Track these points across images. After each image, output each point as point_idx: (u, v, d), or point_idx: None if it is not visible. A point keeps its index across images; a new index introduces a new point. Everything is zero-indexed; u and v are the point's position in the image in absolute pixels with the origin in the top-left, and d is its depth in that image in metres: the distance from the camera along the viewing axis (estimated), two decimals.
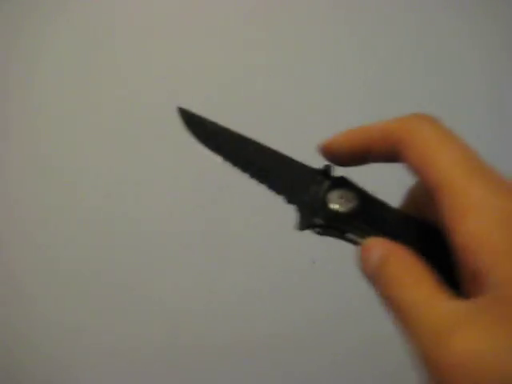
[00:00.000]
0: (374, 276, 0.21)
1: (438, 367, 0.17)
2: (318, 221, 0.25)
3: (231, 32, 0.75)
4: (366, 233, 0.23)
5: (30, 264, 0.72)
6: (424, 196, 0.22)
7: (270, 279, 0.72)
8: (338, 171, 0.26)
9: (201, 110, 0.28)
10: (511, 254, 0.18)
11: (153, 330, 0.72)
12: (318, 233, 0.25)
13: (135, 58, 0.75)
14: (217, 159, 0.27)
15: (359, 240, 0.23)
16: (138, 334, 0.72)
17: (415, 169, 0.21)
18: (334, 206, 0.24)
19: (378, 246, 0.21)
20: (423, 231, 0.23)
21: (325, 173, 0.26)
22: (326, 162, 0.26)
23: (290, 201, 0.26)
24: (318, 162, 0.26)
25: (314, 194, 0.25)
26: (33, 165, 0.73)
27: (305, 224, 0.25)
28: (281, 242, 0.70)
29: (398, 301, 0.19)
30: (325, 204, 0.25)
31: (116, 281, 0.72)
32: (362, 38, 0.76)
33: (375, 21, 0.76)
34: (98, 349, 0.71)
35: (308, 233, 0.25)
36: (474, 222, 0.18)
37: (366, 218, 0.24)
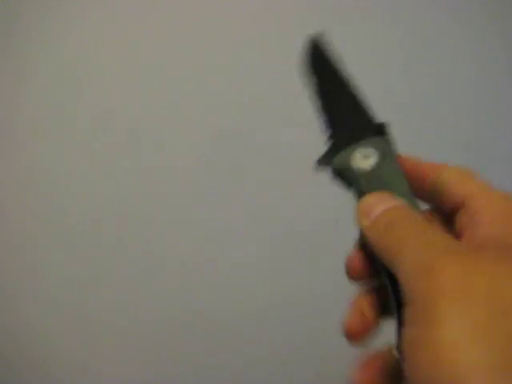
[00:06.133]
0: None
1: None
2: (336, 165, 0.26)
3: (226, 32, 0.75)
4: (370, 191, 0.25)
5: (31, 207, 0.71)
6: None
7: (288, 238, 0.71)
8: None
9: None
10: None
11: (164, 291, 0.72)
12: (332, 176, 0.27)
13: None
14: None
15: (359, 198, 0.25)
16: (151, 293, 0.72)
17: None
18: (360, 165, 0.26)
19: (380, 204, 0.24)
20: None
21: (377, 127, 0.27)
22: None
23: (331, 136, 0.28)
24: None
25: (347, 143, 0.27)
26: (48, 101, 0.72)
27: (323, 162, 0.27)
28: (302, 199, 0.69)
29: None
30: (349, 156, 0.26)
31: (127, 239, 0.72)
32: (358, 37, 0.76)
33: (371, 20, 0.76)
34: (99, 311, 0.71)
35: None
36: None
37: (376, 180, 0.25)
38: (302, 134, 0.72)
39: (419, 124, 0.76)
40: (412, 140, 0.74)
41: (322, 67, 0.29)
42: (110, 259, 0.72)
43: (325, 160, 0.27)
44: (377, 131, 0.27)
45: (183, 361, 0.73)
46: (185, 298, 0.72)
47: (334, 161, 0.27)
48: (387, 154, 0.26)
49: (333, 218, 0.67)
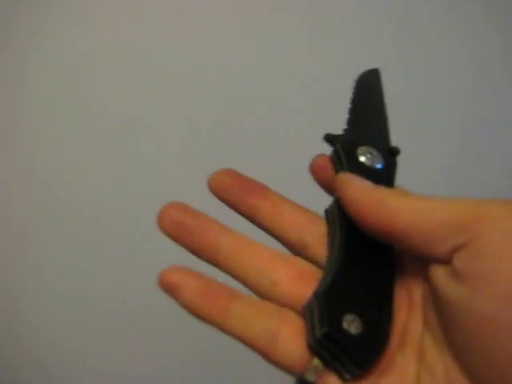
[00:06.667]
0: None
1: None
2: (339, 148, 0.27)
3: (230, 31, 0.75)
4: None
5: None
6: None
7: None
8: None
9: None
10: None
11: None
12: (331, 156, 0.28)
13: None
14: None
15: None
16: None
17: None
18: (360, 157, 0.27)
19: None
20: None
21: (391, 148, 0.28)
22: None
23: (348, 129, 0.29)
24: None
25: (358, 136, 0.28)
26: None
27: (331, 138, 0.28)
28: (298, 194, 0.69)
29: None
30: (354, 148, 0.27)
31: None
32: (356, 36, 0.76)
33: (370, 20, 0.76)
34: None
35: None
36: None
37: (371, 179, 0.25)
38: (296, 126, 0.73)
39: (415, 127, 0.76)
40: (407, 143, 0.74)
41: (368, 89, 0.31)
42: (110, 254, 0.72)
43: (333, 137, 0.28)
44: (389, 150, 0.28)
45: (184, 356, 0.73)
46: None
47: (341, 140, 0.27)
48: (389, 168, 0.27)
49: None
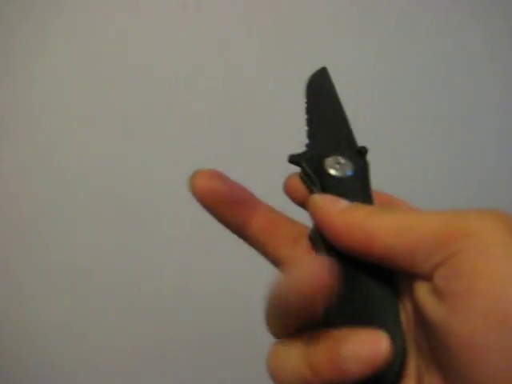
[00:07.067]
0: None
1: None
2: (306, 166, 0.26)
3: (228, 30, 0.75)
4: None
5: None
6: None
7: None
8: None
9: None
10: None
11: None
12: (300, 175, 0.27)
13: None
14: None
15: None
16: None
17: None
18: (329, 170, 0.26)
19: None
20: None
21: (358, 148, 0.27)
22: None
23: (310, 143, 0.28)
24: None
25: (325, 151, 0.27)
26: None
27: (295, 158, 0.27)
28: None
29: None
30: (321, 162, 0.26)
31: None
32: (363, 34, 0.76)
33: (380, 18, 0.76)
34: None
35: None
36: None
37: (343, 189, 0.25)
38: (296, 125, 0.72)
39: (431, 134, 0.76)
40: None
41: (320, 92, 0.30)
42: (102, 263, 0.71)
43: (297, 156, 0.27)
44: (357, 151, 0.27)
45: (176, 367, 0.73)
46: (179, 306, 0.72)
47: (306, 157, 0.27)
48: (361, 171, 0.26)
49: None
